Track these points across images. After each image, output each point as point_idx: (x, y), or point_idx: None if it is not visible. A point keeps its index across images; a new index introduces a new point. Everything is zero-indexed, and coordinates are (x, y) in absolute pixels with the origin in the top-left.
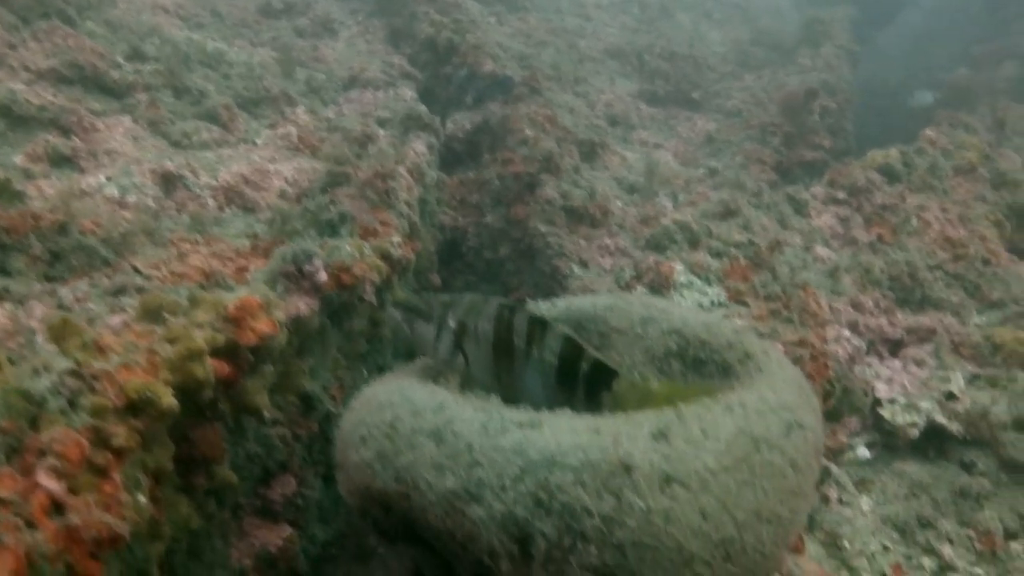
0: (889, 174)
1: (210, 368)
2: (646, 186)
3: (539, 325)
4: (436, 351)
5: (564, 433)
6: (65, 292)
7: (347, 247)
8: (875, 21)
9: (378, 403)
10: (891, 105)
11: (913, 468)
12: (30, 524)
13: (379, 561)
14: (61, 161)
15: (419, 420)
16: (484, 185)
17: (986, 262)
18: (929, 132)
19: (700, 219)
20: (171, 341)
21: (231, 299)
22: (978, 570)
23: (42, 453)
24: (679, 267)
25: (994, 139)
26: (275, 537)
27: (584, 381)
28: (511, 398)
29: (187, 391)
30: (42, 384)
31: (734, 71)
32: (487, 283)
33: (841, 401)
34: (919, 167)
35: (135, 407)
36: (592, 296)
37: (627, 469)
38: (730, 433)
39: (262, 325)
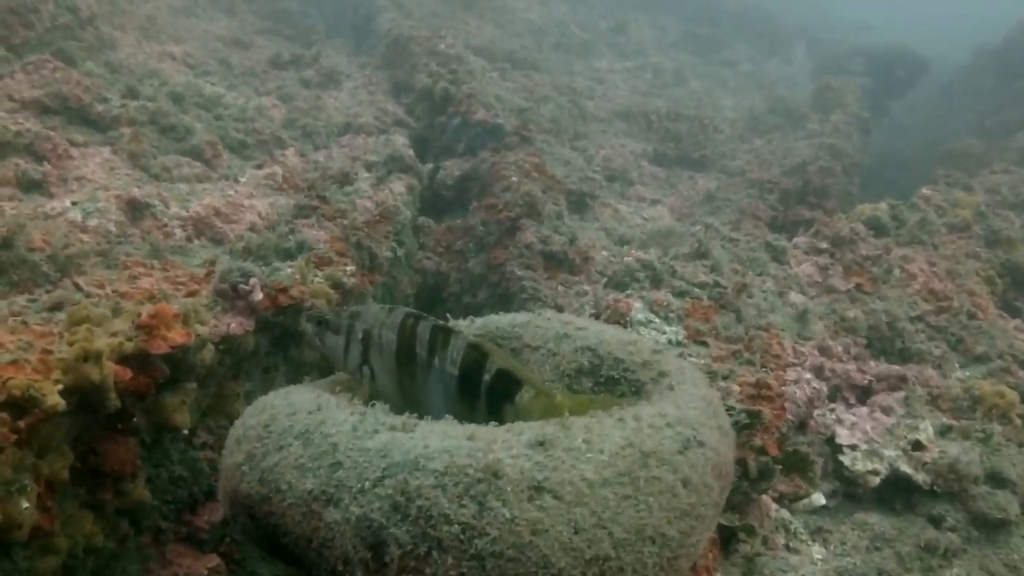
0: (877, 227)
1: (108, 372)
2: (640, 239)
3: (442, 333)
4: (345, 362)
5: (435, 437)
6: (2, 305)
7: (287, 269)
8: (889, 93)
9: (261, 406)
10: (904, 176)
11: (876, 520)
12: None
13: None
14: (31, 186)
15: (292, 420)
16: (469, 231)
17: (972, 315)
18: (926, 190)
19: (663, 259)
20: (70, 343)
21: (147, 308)
22: None
23: None
24: (638, 305)
25: (992, 200)
26: (200, 567)
27: (486, 392)
28: (411, 411)
29: (84, 394)
30: None
31: (743, 135)
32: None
33: (791, 456)
34: (909, 221)
35: (18, 404)
36: (512, 314)
37: (494, 475)
38: (616, 445)
39: (175, 335)
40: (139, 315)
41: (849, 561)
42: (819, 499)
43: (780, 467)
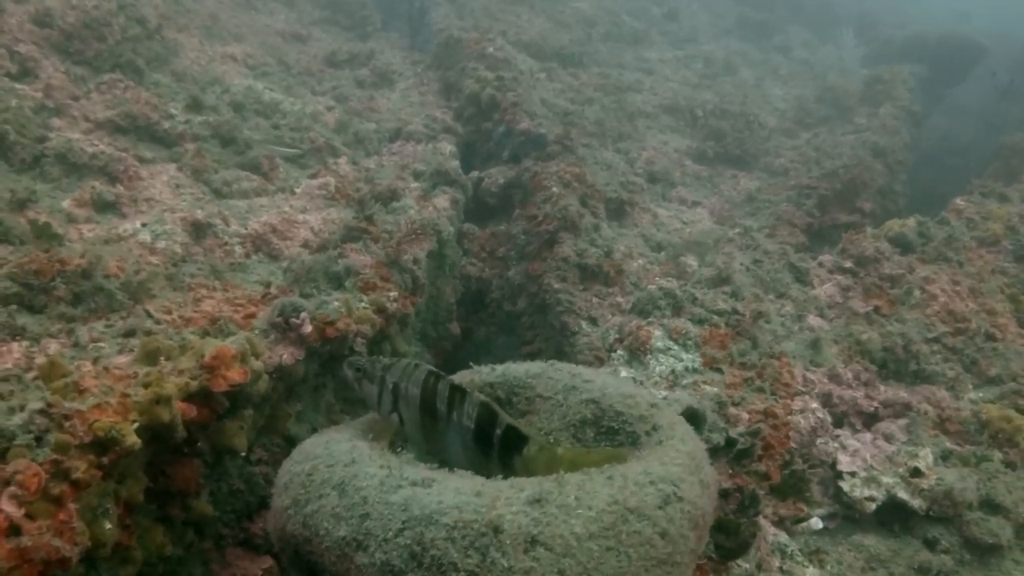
0: (903, 244)
1: (177, 412)
2: (678, 245)
3: (459, 393)
4: (378, 409)
5: (448, 493)
6: (82, 331)
7: (335, 303)
8: (946, 80)
9: (305, 454)
10: (959, 163)
11: (873, 541)
12: None
13: None
14: (105, 207)
15: (331, 472)
16: (512, 239)
17: (990, 337)
18: (959, 201)
19: (688, 285)
20: (145, 386)
21: (209, 348)
22: None
23: (6, 482)
24: (658, 332)
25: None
26: (255, 568)
27: (498, 445)
28: (436, 455)
29: (156, 431)
30: (14, 421)
31: (790, 129)
32: (506, 335)
33: (789, 480)
34: (935, 238)
35: (102, 444)
36: (527, 364)
37: (495, 530)
38: (603, 502)
39: (233, 374)
40: (203, 356)
41: None
42: (817, 523)
43: (778, 491)
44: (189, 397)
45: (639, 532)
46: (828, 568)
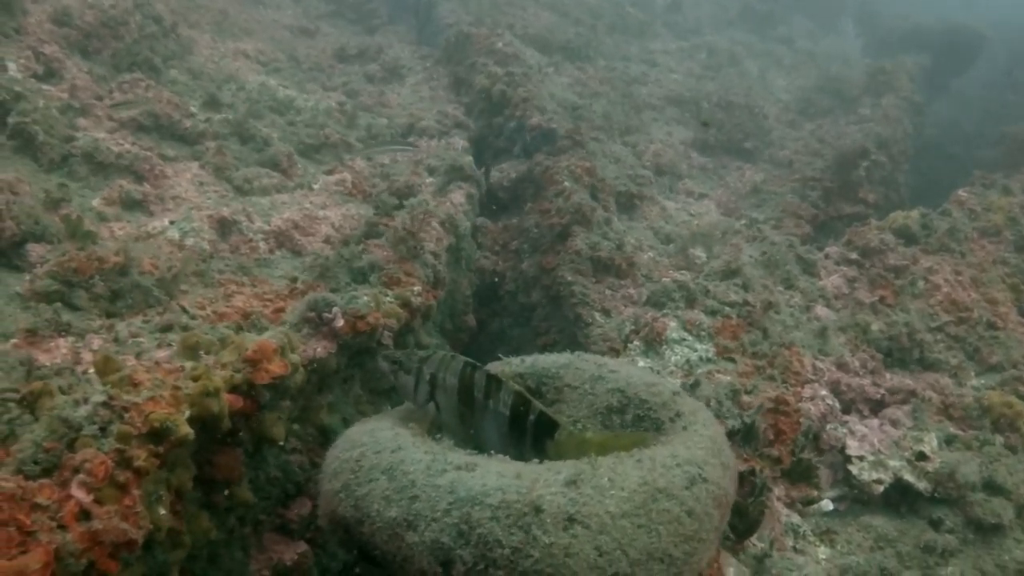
0: (907, 235)
1: (224, 403)
2: (686, 237)
3: (494, 382)
4: (415, 399)
5: (490, 476)
6: (122, 327)
7: (364, 297)
8: (949, 70)
9: (351, 442)
10: (962, 155)
11: (880, 522)
12: (62, 527)
13: None
14: (133, 205)
15: (379, 458)
16: (524, 232)
17: (991, 326)
18: (961, 192)
19: (700, 278)
20: (194, 379)
21: (251, 343)
22: None
23: (76, 470)
24: (673, 324)
25: None
26: (291, 552)
27: (531, 430)
28: (473, 442)
29: (205, 422)
30: (80, 413)
31: (794, 120)
32: (520, 327)
33: (797, 466)
34: (938, 229)
35: (157, 434)
36: (554, 355)
37: (536, 509)
38: (634, 483)
39: (275, 367)
40: (246, 350)
41: (853, 560)
42: (827, 505)
43: (789, 474)
44: (233, 389)
45: (668, 511)
46: (838, 547)
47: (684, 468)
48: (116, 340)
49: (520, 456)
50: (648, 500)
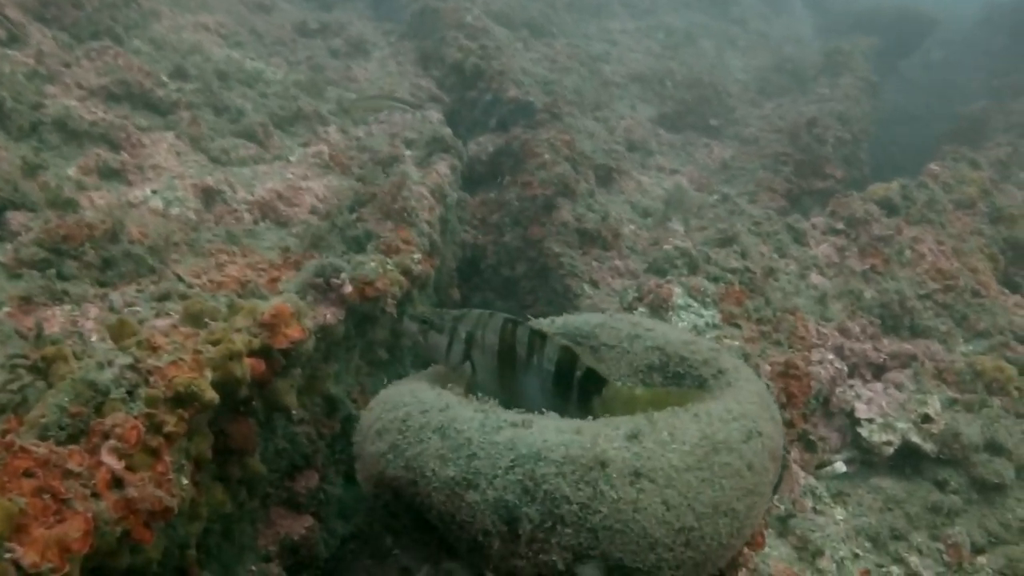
0: (888, 206)
1: (247, 368)
2: (662, 211)
3: (539, 337)
4: (447, 358)
5: (550, 432)
6: (115, 296)
7: (371, 263)
8: (898, 51)
9: (392, 403)
10: (912, 134)
11: (889, 484)
12: (95, 495)
13: (394, 562)
14: (111, 174)
15: (427, 417)
16: (504, 206)
17: (976, 293)
18: (933, 166)
19: (700, 246)
20: (213, 343)
21: (266, 307)
22: None
23: (105, 435)
24: (678, 290)
25: (998, 174)
26: (299, 527)
27: (577, 386)
28: (511, 402)
29: (226, 388)
30: (106, 376)
31: (754, 99)
32: (503, 299)
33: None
34: (918, 200)
35: (181, 399)
36: (586, 315)
37: (602, 464)
38: (695, 437)
39: (293, 331)
40: (261, 313)
41: (865, 520)
42: (841, 467)
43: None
44: (251, 354)
45: (729, 464)
46: (850, 509)
47: (740, 422)
48: (111, 310)
49: (563, 415)
50: (710, 453)
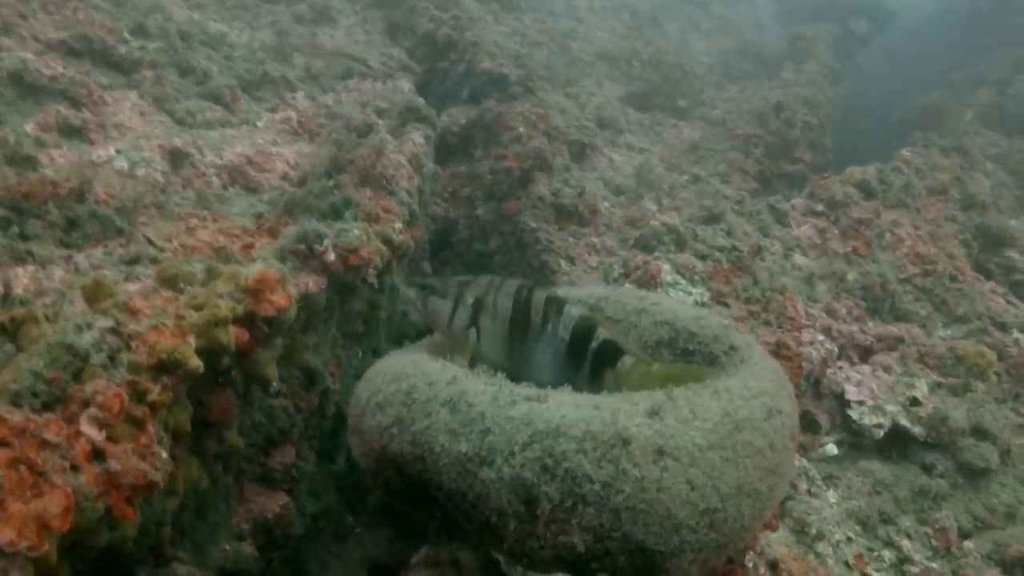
0: (866, 190)
1: (232, 335)
2: (635, 188)
3: (555, 303)
4: (450, 325)
5: (567, 407)
6: (81, 259)
7: (355, 230)
8: (855, 40)
9: (394, 374)
10: (869, 123)
11: (877, 467)
12: (74, 467)
13: (356, 539)
14: (71, 132)
15: (434, 390)
16: (476, 179)
17: (953, 278)
18: (905, 152)
19: (686, 223)
20: (196, 308)
21: (249, 272)
22: (934, 565)
23: (85, 403)
24: (666, 267)
25: (962, 162)
26: (273, 504)
27: (592, 357)
28: (516, 372)
29: (209, 356)
30: (86, 339)
31: (719, 81)
32: (475, 274)
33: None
34: (894, 185)
35: (164, 367)
36: (590, 287)
37: (624, 441)
38: (717, 414)
39: (278, 298)
40: (244, 279)
41: (855, 504)
42: (832, 449)
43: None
44: (234, 321)
45: (752, 443)
46: (840, 492)
47: (760, 400)
48: (77, 272)
49: (575, 388)
50: (732, 432)
